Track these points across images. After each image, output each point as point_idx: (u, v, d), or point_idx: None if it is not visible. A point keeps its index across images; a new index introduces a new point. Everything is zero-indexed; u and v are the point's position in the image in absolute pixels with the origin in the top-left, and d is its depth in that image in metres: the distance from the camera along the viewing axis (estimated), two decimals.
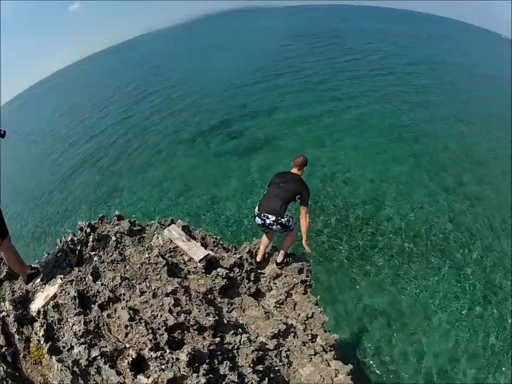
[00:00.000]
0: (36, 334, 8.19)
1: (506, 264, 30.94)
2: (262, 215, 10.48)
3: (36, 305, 8.93)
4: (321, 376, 10.16)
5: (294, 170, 10.86)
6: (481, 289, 28.88)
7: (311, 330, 12.20)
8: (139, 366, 8.01)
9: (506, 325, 26.13)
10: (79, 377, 7.33)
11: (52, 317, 8.49)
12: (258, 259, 12.51)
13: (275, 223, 10.33)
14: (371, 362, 24.15)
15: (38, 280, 9.63)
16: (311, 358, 10.58)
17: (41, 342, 7.99)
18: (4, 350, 8.07)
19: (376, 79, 74.94)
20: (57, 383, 7.31)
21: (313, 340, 11.87)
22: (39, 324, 8.25)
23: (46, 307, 8.71)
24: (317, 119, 56.90)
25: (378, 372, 23.75)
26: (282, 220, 10.26)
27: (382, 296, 28.19)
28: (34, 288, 9.38)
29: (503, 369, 23.51)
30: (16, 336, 8.35)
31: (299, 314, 12.26)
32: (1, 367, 7.61)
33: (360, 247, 32.13)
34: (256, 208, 10.71)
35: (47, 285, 9.42)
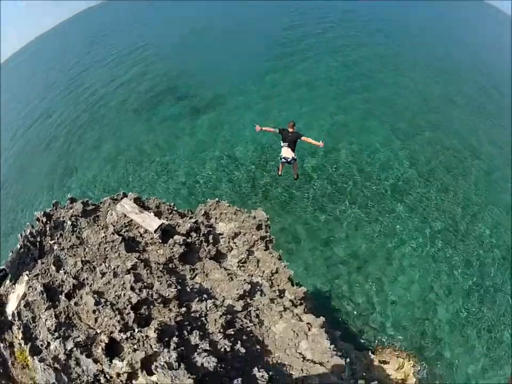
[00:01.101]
0: (16, 337, 8.10)
1: (460, 201, 31.98)
2: (286, 157, 17.03)
3: (10, 308, 8.76)
4: (294, 332, 10.11)
5: (291, 130, 16.53)
6: (437, 228, 29.77)
7: (278, 286, 12.13)
8: (113, 349, 7.95)
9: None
10: (62, 373, 7.27)
11: (25, 317, 8.34)
12: (279, 173, 20.61)
13: (292, 159, 17.08)
14: (342, 310, 24.60)
15: (7, 281, 9.41)
16: (281, 315, 10.48)
17: (22, 345, 7.90)
18: None
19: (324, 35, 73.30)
20: (45, 383, 7.25)
21: (281, 295, 11.79)
22: (16, 327, 8.13)
23: (19, 308, 8.52)
24: (265, 75, 56.21)
25: (349, 318, 24.26)
26: (295, 157, 17.10)
27: (345, 243, 28.62)
28: (6, 291, 9.16)
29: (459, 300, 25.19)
30: (1, 345, 8.22)
31: (263, 271, 12.11)
32: None
33: (318, 196, 32.22)
34: (281, 154, 17.10)
35: (16, 285, 9.19)
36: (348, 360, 10.13)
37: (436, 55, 64.18)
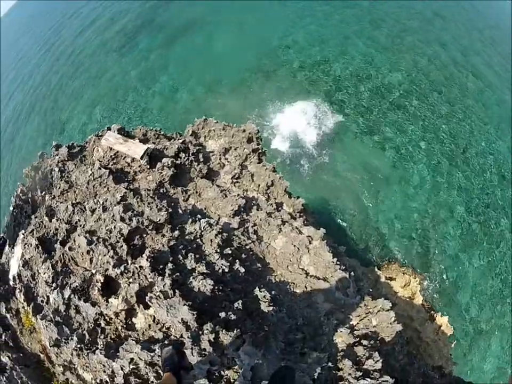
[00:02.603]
0: (20, 302, 7.89)
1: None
2: None
3: (12, 272, 8.50)
4: (294, 246, 9.72)
5: None
6: (444, 146, 29.39)
7: (275, 199, 11.74)
8: (111, 288, 7.67)
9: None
10: (63, 326, 7.11)
11: (25, 277, 8.05)
12: None
13: None
14: (346, 226, 24.59)
15: (6, 248, 9.13)
16: (280, 229, 10.06)
17: (26, 307, 7.67)
18: (4, 337, 7.74)
19: None
20: (48, 342, 7.06)
21: (279, 208, 11.36)
22: (18, 290, 7.90)
23: (19, 269, 8.23)
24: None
25: (354, 234, 24.25)
26: None
27: (348, 156, 28.45)
28: (6, 258, 8.91)
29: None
30: (8, 316, 8.03)
31: (259, 185, 11.64)
32: (7, 357, 7.38)
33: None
34: None
35: (15, 247, 8.88)
36: (352, 274, 9.82)
37: None
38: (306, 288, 9.08)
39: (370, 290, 15.73)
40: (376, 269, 19.79)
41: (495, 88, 36.21)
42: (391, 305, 9.45)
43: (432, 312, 21.01)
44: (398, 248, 23.35)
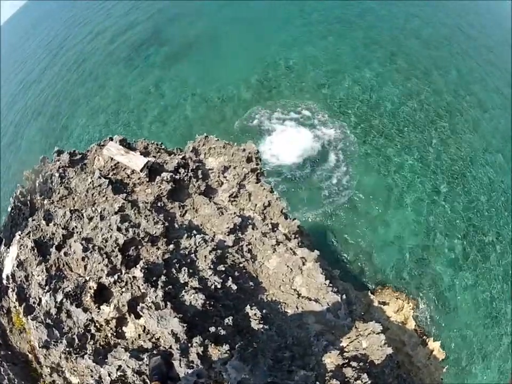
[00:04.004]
0: (12, 301, 7.87)
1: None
2: None
3: (6, 271, 8.49)
4: (288, 266, 9.78)
5: None
6: (438, 169, 29.56)
7: (271, 219, 11.78)
8: (103, 295, 7.74)
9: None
10: (54, 328, 7.13)
11: (19, 277, 8.07)
12: None
13: None
14: (341, 250, 24.61)
15: (2, 247, 9.07)
16: (274, 249, 10.13)
17: (17, 307, 7.68)
18: None
19: None
20: (38, 343, 7.09)
21: (274, 229, 11.42)
22: (11, 289, 7.89)
23: (13, 269, 8.25)
24: (251, 15, 55.46)
25: (349, 258, 24.28)
26: None
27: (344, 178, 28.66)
28: (1, 257, 8.87)
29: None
30: None
31: (255, 205, 11.71)
32: None
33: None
34: None
35: (10, 247, 8.87)
36: (344, 297, 9.87)
37: None
38: (297, 308, 9.10)
39: (362, 313, 15.81)
40: (369, 293, 19.81)
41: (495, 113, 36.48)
42: (381, 328, 9.49)
43: (424, 337, 21.02)
44: (392, 273, 23.37)
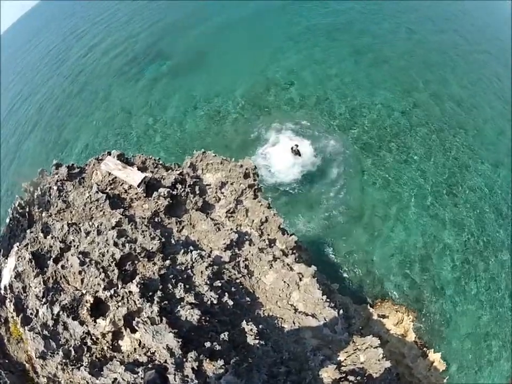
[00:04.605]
0: (9, 311, 7.95)
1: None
2: None
3: (4, 282, 8.58)
4: (285, 282, 9.80)
5: None
6: (437, 182, 29.58)
7: (268, 235, 11.79)
8: (100, 309, 7.80)
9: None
10: (50, 340, 7.21)
11: (17, 288, 8.17)
12: None
13: None
14: (340, 263, 24.54)
15: (0, 257, 9.12)
16: (271, 265, 10.15)
17: (15, 317, 7.77)
18: None
19: None
20: (35, 353, 7.18)
21: (272, 244, 11.43)
22: (9, 300, 7.97)
23: (11, 280, 8.35)
24: (251, 26, 55.99)
25: (348, 272, 24.20)
26: None
27: (342, 196, 28.65)
28: None
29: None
30: None
31: (253, 221, 11.73)
32: None
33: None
34: None
35: (8, 258, 8.98)
36: (341, 311, 9.87)
37: None
38: (294, 323, 9.12)
39: (361, 328, 15.75)
40: (368, 307, 19.72)
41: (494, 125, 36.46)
42: (379, 342, 9.48)
43: (425, 348, 20.90)
44: (391, 286, 23.28)
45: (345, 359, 9.13)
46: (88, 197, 10.22)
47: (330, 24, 52.90)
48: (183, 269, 8.95)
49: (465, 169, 31.05)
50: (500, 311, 23.44)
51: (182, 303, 7.96)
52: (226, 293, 8.67)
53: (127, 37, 65.99)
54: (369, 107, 37.35)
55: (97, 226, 9.17)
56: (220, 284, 8.82)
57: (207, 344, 7.28)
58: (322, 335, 9.21)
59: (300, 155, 31.55)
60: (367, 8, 57.46)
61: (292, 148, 31.74)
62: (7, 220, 10.00)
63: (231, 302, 8.55)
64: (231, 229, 10.69)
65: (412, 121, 35.54)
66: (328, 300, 9.69)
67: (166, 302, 7.79)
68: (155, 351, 7.08)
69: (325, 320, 9.32)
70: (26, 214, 10.14)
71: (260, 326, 8.41)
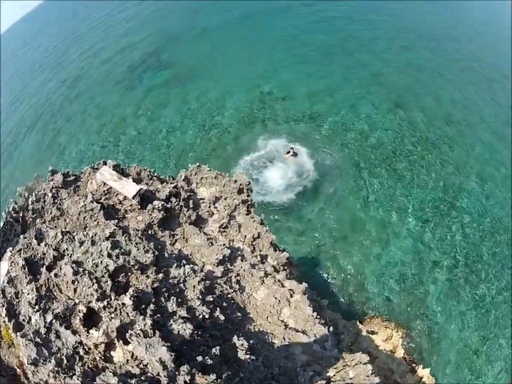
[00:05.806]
0: (1, 316, 7.88)
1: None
2: None
3: None
4: (276, 298, 9.88)
5: None
6: (428, 199, 29.84)
7: (260, 251, 11.88)
8: (93, 319, 7.82)
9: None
10: (42, 347, 7.20)
11: (9, 293, 8.12)
12: None
13: None
14: (330, 280, 24.62)
15: None
16: (263, 281, 10.25)
17: (7, 323, 7.70)
18: None
19: None
20: (26, 359, 7.13)
21: (263, 260, 11.54)
22: (1, 304, 7.92)
23: (3, 285, 8.29)
24: (245, 37, 57.03)
25: (338, 288, 24.28)
26: None
27: (332, 213, 28.75)
28: None
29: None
30: None
31: (245, 236, 11.82)
32: None
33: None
34: None
35: (1, 263, 8.97)
36: (331, 329, 9.95)
37: None
38: (284, 339, 9.18)
39: (350, 344, 15.80)
40: (358, 323, 19.78)
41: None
42: (368, 358, 9.55)
43: (413, 364, 20.95)
44: (381, 303, 23.35)
45: (334, 375, 9.17)
46: (82, 206, 10.23)
47: (328, 38, 53.70)
48: (175, 282, 8.98)
49: (458, 188, 31.25)
50: (488, 328, 23.54)
51: (174, 316, 7.99)
52: (218, 308, 8.71)
53: (125, 45, 66.04)
54: (362, 123, 37.55)
55: (92, 236, 9.16)
56: (211, 299, 8.88)
57: (199, 358, 7.31)
58: (312, 351, 9.26)
59: (296, 155, 32.02)
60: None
61: (288, 152, 32.10)
62: (1, 224, 9.98)
63: (222, 317, 8.60)
64: (224, 244, 10.75)
65: (407, 139, 35.75)
66: (318, 316, 9.76)
67: (158, 315, 7.81)
68: (148, 363, 7.10)
69: (315, 336, 9.38)
70: (20, 219, 10.13)
71: (251, 341, 8.44)
